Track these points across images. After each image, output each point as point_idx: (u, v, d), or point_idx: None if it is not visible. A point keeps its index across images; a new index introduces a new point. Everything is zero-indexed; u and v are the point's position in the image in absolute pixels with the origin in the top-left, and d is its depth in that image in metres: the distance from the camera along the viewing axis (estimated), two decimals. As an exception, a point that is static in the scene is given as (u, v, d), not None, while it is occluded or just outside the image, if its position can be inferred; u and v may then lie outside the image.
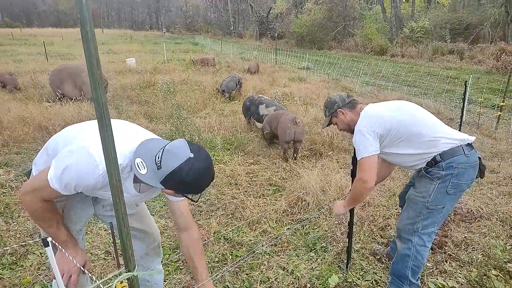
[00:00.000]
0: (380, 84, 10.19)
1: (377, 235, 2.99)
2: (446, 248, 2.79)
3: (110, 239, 2.86)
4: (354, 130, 2.15)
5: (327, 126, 2.39)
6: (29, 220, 3.09)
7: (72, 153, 1.30)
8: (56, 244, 1.45)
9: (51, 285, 2.05)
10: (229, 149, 4.88)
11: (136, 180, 1.44)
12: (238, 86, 8.46)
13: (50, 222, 1.44)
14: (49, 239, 1.09)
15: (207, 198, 3.60)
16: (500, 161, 4.56)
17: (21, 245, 2.73)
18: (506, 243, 2.80)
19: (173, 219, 1.74)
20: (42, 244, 1.10)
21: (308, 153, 4.90)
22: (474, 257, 2.65)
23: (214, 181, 3.95)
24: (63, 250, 1.45)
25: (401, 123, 2.02)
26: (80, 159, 1.28)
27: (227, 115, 6.83)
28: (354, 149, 2.32)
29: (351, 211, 2.44)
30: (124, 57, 15.15)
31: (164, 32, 49.47)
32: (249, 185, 3.92)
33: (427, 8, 24.55)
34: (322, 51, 22.87)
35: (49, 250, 1.10)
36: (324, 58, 16.44)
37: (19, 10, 69.71)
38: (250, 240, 2.90)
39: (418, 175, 2.18)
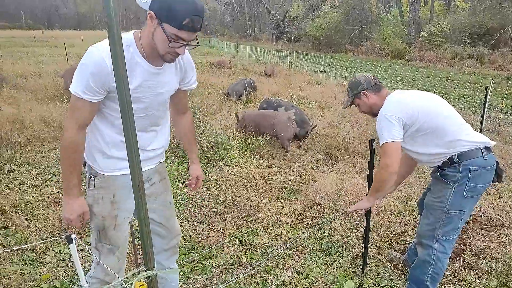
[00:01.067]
0: (397, 88, 10.06)
1: (393, 242, 2.95)
2: (465, 256, 2.74)
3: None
4: (376, 114, 2.14)
5: (349, 106, 2.37)
6: (49, 217, 3.17)
7: (83, 57, 1.38)
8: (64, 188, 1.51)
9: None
10: (244, 152, 4.90)
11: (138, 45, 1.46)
12: (249, 89, 8.35)
13: (74, 164, 1.48)
14: (73, 236, 1.12)
15: (222, 200, 3.62)
16: (521, 168, 4.44)
17: (42, 242, 2.80)
18: (528, 253, 2.72)
19: (173, 104, 1.81)
20: (66, 241, 1.13)
21: (323, 157, 4.88)
22: (494, 266, 2.59)
23: (229, 183, 4.00)
24: (70, 195, 1.50)
25: (428, 116, 1.99)
26: (89, 55, 1.36)
27: (243, 117, 6.85)
28: (371, 153, 2.30)
29: (368, 217, 2.42)
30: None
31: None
32: (264, 188, 3.92)
33: (446, 11, 24.15)
34: (339, 54, 22.73)
35: (72, 247, 1.13)
36: (340, 61, 16.34)
37: (41, 12, 71.67)
38: (265, 243, 2.91)
39: (434, 178, 2.14)
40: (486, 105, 5.51)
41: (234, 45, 26.66)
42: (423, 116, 1.99)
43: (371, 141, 2.29)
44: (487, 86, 5.40)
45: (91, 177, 1.62)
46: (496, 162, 2.03)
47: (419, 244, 2.22)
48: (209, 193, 3.79)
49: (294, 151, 5.06)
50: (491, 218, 3.21)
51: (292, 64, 15.30)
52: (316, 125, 5.34)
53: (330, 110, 7.31)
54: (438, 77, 11.98)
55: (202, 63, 15.13)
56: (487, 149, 2.00)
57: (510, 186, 3.97)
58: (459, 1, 25.98)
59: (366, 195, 2.25)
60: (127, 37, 1.43)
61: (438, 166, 2.08)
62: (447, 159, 2.01)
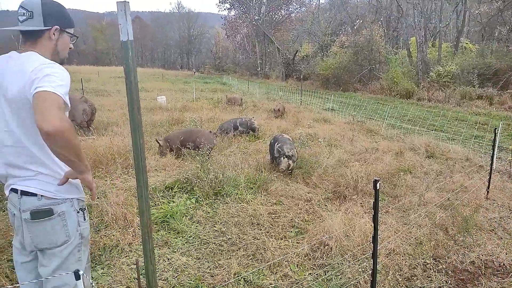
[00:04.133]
0: (406, 128, 10.11)
1: (402, 286, 2.88)
2: (478, 304, 2.64)
3: (132, 274, 2.89)
4: None
5: None
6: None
7: (50, 68, 1.52)
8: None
9: None
10: (252, 188, 4.91)
11: None
12: (241, 129, 8.14)
13: (79, 146, 1.47)
14: (81, 272, 1.14)
15: (228, 237, 3.60)
16: (534, 212, 4.35)
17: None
18: (543, 302, 2.62)
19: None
20: (74, 277, 1.15)
21: (332, 195, 4.86)
22: (509, 316, 2.49)
23: (236, 219, 3.99)
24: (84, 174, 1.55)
25: None
26: (55, 66, 1.54)
27: (251, 153, 6.92)
28: (375, 193, 2.31)
29: (374, 259, 2.39)
30: (155, 95, 15.84)
31: (194, 72, 51.67)
32: (271, 226, 3.90)
33: (454, 53, 24.58)
34: (347, 93, 23.08)
35: (80, 283, 1.15)
36: (349, 100, 16.56)
37: (62, 48, 74.88)
38: (271, 284, 2.86)
39: None
40: (496, 146, 5.49)
41: (245, 82, 27.32)
42: None
43: (375, 182, 2.30)
44: (495, 128, 5.40)
45: (81, 211, 1.68)
46: None
47: None
48: (216, 230, 3.78)
49: (303, 188, 5.06)
50: (503, 264, 3.12)
51: (301, 101, 15.55)
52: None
53: (339, 148, 7.35)
54: (447, 117, 12.02)
55: (213, 99, 15.49)
56: None
57: (523, 231, 3.88)
58: (467, 43, 26.51)
59: (373, 236, 2.23)
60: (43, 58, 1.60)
61: None
62: None
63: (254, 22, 43.95)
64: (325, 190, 5.01)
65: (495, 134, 5.25)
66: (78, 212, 1.65)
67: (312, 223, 3.93)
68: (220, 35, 60.61)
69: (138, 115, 0.97)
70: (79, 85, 16.87)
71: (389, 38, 30.89)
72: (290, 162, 5.41)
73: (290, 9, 46.37)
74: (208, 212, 4.19)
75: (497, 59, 20.30)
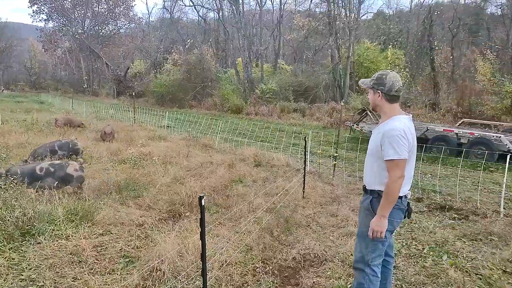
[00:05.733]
0: (237, 140, 10.81)
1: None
2: (299, 296, 2.91)
3: None
4: (375, 110, 2.53)
5: (364, 87, 2.60)
6: None
7: None
8: None
9: None
10: (73, 221, 4.27)
11: None
12: (62, 153, 7.14)
13: None
14: None
15: (40, 284, 2.99)
16: (338, 205, 5.19)
17: None
18: (347, 283, 3.08)
19: None
20: None
21: (166, 215, 4.67)
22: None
23: (52, 261, 3.37)
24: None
25: (412, 153, 2.40)
26: None
27: (75, 180, 6.09)
28: (201, 209, 2.28)
29: (204, 276, 2.34)
30: None
31: (2, 90, 43.08)
32: (96, 261, 3.44)
33: (274, 73, 28.09)
34: (183, 109, 23.34)
35: None
36: (185, 116, 16.74)
37: None
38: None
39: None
40: (308, 152, 6.39)
41: (70, 100, 24.42)
42: (410, 152, 2.35)
43: (200, 198, 2.27)
44: (305, 136, 6.29)
45: None
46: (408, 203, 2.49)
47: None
48: (23, 279, 3.09)
49: (134, 212, 4.70)
50: (318, 255, 3.56)
51: (135, 119, 14.85)
52: None
53: (174, 165, 7.23)
54: (271, 129, 13.48)
55: (27, 120, 13.14)
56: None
57: (330, 222, 4.56)
58: (283, 64, 30.74)
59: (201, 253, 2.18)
60: None
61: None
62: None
63: (77, 36, 39.99)
64: (159, 211, 4.79)
65: (306, 141, 6.11)
66: None
67: (145, 249, 3.66)
68: (36, 49, 52.72)
69: None
70: None
71: (218, 58, 32.95)
72: None
73: (119, 25, 44.22)
74: (13, 259, 3.41)
75: (306, 78, 24.25)
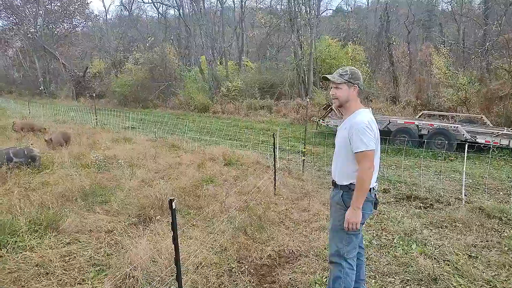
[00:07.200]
0: (205, 139, 10.70)
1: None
2: (276, 293, 2.93)
3: None
4: (343, 106, 2.53)
5: (336, 83, 2.51)
6: None
7: None
8: None
9: None
10: (37, 231, 4.05)
11: None
12: (18, 160, 6.68)
13: None
14: None
15: (3, 302, 2.81)
16: (309, 200, 5.27)
17: None
18: (322, 277, 3.14)
19: None
20: None
21: (136, 220, 4.54)
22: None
23: (16, 275, 3.18)
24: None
25: (377, 145, 2.46)
26: None
27: (36, 188, 5.77)
28: (172, 213, 2.23)
29: (179, 280, 2.29)
30: None
31: None
32: (64, 272, 3.29)
33: (239, 70, 27.98)
34: (148, 109, 22.80)
35: None
36: (150, 116, 16.37)
37: None
38: None
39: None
40: (276, 148, 6.44)
41: (26, 103, 23.12)
42: (376, 144, 2.41)
43: (170, 201, 2.22)
44: (273, 133, 6.32)
45: None
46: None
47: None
48: (-17, 298, 2.90)
49: (103, 218, 4.53)
50: (292, 251, 3.60)
51: (97, 121, 14.31)
52: None
53: (142, 168, 7.04)
54: (239, 127, 13.46)
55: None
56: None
57: (303, 217, 4.62)
58: (247, 62, 30.69)
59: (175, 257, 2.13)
60: None
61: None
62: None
63: (30, 35, 37.78)
64: (129, 216, 4.65)
65: (274, 138, 6.15)
66: None
67: (116, 256, 3.54)
68: (-16, 49, 49.37)
69: None
70: None
71: (182, 56, 32.36)
72: None
73: (74, 23, 42.22)
74: (-29, 276, 3.19)
75: (271, 75, 24.36)
